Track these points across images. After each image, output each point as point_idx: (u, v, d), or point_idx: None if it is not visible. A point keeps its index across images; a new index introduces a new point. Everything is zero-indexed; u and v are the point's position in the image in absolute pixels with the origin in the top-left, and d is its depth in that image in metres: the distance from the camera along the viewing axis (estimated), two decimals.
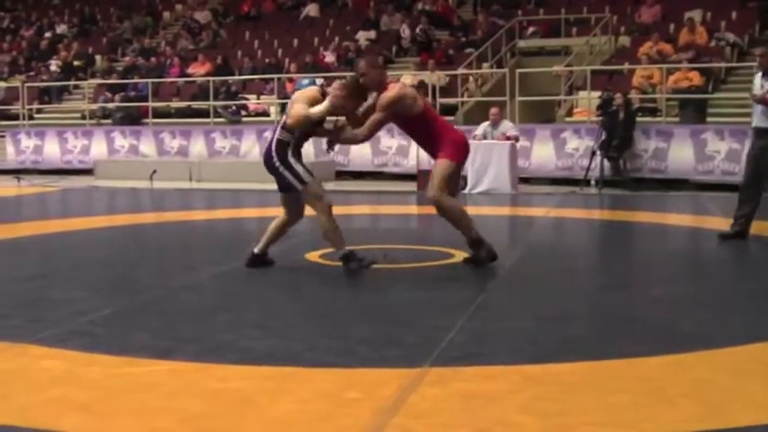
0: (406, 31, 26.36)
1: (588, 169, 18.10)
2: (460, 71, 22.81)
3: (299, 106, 8.84)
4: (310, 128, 9.03)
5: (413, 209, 16.33)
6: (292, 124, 8.83)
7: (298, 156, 8.94)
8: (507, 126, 18.27)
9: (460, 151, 9.26)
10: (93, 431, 4.67)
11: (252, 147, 22.03)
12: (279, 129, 8.99)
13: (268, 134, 9.04)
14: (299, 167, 8.89)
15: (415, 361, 5.74)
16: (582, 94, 21.28)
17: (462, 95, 22.71)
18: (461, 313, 7.10)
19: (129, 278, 9.04)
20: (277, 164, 8.86)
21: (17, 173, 23.03)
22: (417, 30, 26.15)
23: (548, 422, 4.73)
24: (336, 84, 9.15)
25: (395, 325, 6.89)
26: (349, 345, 6.29)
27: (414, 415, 4.82)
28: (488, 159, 17.76)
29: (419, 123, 9.16)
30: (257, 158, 21.15)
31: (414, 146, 19.94)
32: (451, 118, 21.69)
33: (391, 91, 8.96)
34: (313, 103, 8.85)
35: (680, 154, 18.27)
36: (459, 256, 9.85)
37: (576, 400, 5.03)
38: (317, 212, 8.94)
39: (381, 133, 20.37)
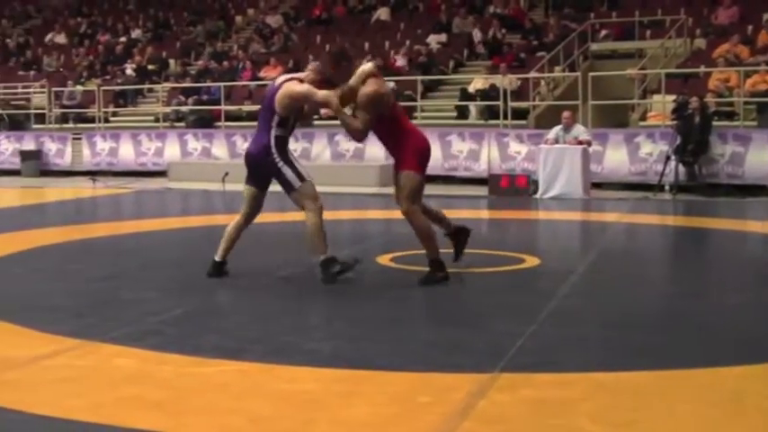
0: (477, 35, 26.28)
1: (662, 174, 17.84)
2: (532, 75, 22.64)
3: (305, 90, 8.67)
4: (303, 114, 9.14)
5: (484, 213, 16.26)
6: (328, 101, 8.60)
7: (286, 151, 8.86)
8: (579, 130, 18.10)
9: (424, 161, 8.88)
10: (164, 429, 4.70)
11: (323, 150, 22.09)
12: (275, 126, 8.76)
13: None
14: (298, 165, 8.87)
15: (485, 366, 5.72)
16: (656, 97, 21.00)
17: (534, 99, 22.54)
18: (532, 319, 7.06)
19: (199, 279, 9.09)
20: (278, 160, 8.74)
21: (92, 174, 23.31)
22: (489, 33, 26.08)
23: (617, 431, 4.69)
24: (311, 72, 8.94)
25: (466, 330, 6.87)
26: (419, 349, 6.28)
27: (483, 420, 4.81)
28: (560, 164, 17.61)
29: (388, 122, 8.83)
30: (328, 161, 21.37)
31: (485, 150, 19.92)
32: (523, 122, 21.62)
33: (372, 86, 8.62)
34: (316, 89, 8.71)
35: (758, 159, 17.91)
36: (531, 261, 9.80)
37: (647, 410, 4.97)
38: (308, 213, 8.79)
39: (452, 137, 20.42)
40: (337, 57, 8.87)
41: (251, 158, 8.94)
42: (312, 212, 8.77)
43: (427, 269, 8.73)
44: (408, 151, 8.77)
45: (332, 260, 8.72)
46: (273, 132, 8.77)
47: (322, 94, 8.62)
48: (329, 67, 8.83)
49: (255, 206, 9.16)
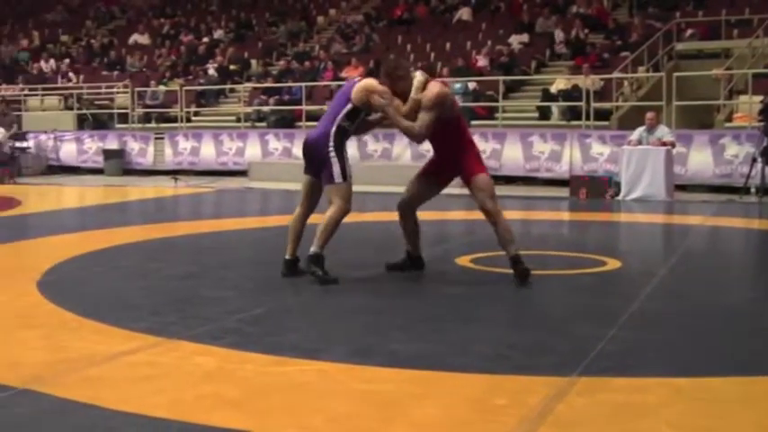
0: (559, 35, 26.12)
1: (748, 177, 17.55)
2: (615, 75, 22.44)
3: (382, 87, 8.75)
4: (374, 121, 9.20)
5: (565, 215, 16.14)
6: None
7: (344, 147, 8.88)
8: (663, 131, 17.91)
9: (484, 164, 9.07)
10: (242, 427, 4.71)
11: (404, 150, 22.06)
12: (342, 115, 8.77)
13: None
14: (347, 163, 8.83)
15: (564, 370, 5.67)
16: (743, 98, 20.68)
17: (617, 100, 22.34)
18: (613, 322, 6.98)
19: (279, 279, 9.12)
20: (332, 151, 8.70)
21: (174, 173, 23.54)
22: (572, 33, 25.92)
23: None
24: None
25: (545, 332, 6.82)
26: (498, 350, 6.24)
27: (560, 425, 4.76)
28: (643, 165, 17.44)
29: (452, 126, 8.87)
30: (409, 162, 21.32)
31: (567, 151, 19.77)
32: (606, 123, 21.44)
33: (434, 88, 8.69)
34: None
35: None
36: (612, 264, 9.70)
37: (727, 418, 4.88)
38: (335, 207, 8.78)
39: (534, 138, 20.31)
40: (391, 70, 8.89)
41: (308, 145, 8.91)
42: (338, 209, 8.80)
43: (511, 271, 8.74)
44: (473, 155, 8.92)
45: (320, 259, 8.73)
46: (338, 121, 8.77)
47: (389, 97, 8.69)
48: (386, 82, 8.82)
49: (314, 196, 9.11)
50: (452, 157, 8.96)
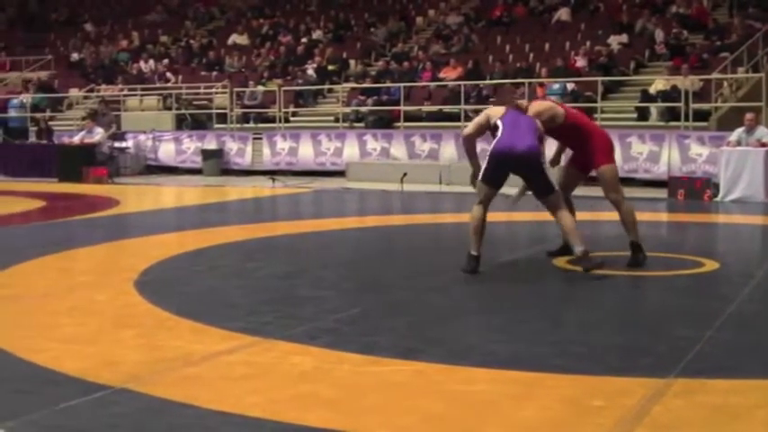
0: (659, 35, 25.85)
1: None
2: (714, 76, 22.15)
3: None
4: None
5: (663, 216, 15.97)
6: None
7: None
8: (763, 132, 17.66)
9: (613, 151, 10.02)
10: (338, 427, 4.74)
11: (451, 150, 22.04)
12: (536, 133, 9.30)
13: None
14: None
15: (661, 371, 5.63)
16: None
17: (716, 101, 22.05)
18: (711, 324, 6.92)
19: (376, 278, 9.17)
20: (545, 162, 9.27)
21: (272, 174, 23.72)
22: (671, 34, 25.64)
23: None
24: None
25: (642, 333, 6.77)
26: (595, 352, 6.21)
27: (657, 426, 4.74)
28: (742, 166, 17.23)
29: (570, 132, 9.79)
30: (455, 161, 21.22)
31: (665, 152, 19.58)
32: (704, 123, 21.17)
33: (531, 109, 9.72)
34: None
35: None
36: (710, 265, 9.59)
37: None
38: (565, 212, 9.27)
39: (632, 138, 20.12)
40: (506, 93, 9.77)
41: (525, 154, 9.17)
42: (566, 212, 9.31)
43: (624, 271, 9.19)
44: (597, 149, 9.76)
45: (587, 255, 9.06)
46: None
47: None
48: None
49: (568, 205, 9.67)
50: (581, 152, 9.95)
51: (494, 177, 9.37)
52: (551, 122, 9.57)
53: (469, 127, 9.89)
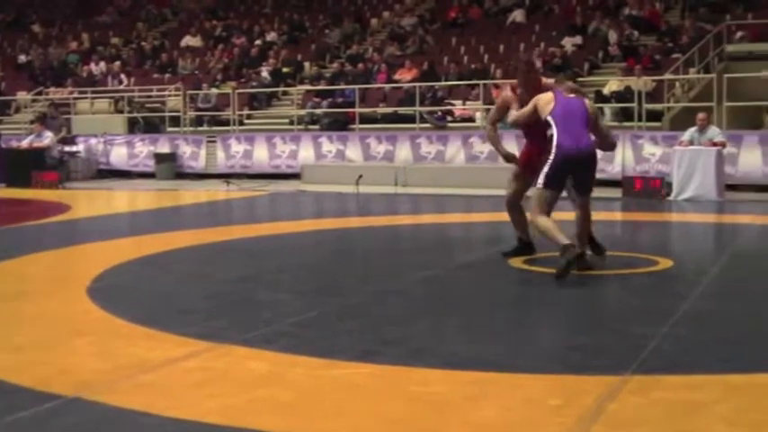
0: (612, 37, 26.01)
1: None
2: (667, 76, 22.35)
3: None
4: None
5: (617, 215, 16.07)
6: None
7: None
8: (714, 132, 17.84)
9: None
10: (296, 431, 4.70)
11: (457, 152, 22.05)
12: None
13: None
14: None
15: (617, 369, 5.66)
16: None
17: (669, 101, 22.24)
18: (666, 321, 6.96)
19: (333, 281, 9.14)
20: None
21: (227, 177, 23.62)
22: (624, 35, 25.82)
23: None
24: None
25: (598, 332, 6.81)
26: (552, 351, 6.23)
27: (614, 424, 4.76)
28: (695, 166, 17.40)
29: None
30: (463, 164, 21.31)
31: (619, 152, 19.67)
32: (658, 124, 21.34)
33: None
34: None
35: None
36: (664, 263, 9.65)
37: None
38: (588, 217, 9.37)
39: None
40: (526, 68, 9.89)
41: (590, 155, 9.27)
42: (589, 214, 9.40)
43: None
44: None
45: (582, 255, 9.07)
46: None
47: None
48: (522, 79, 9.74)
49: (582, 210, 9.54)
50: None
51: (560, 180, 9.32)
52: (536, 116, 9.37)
53: (515, 115, 9.73)
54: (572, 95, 9.38)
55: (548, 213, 9.11)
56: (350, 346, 6.36)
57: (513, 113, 9.66)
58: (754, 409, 4.93)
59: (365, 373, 5.71)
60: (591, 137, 9.18)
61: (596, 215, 9.93)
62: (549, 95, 9.33)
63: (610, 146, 10.38)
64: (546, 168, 9.09)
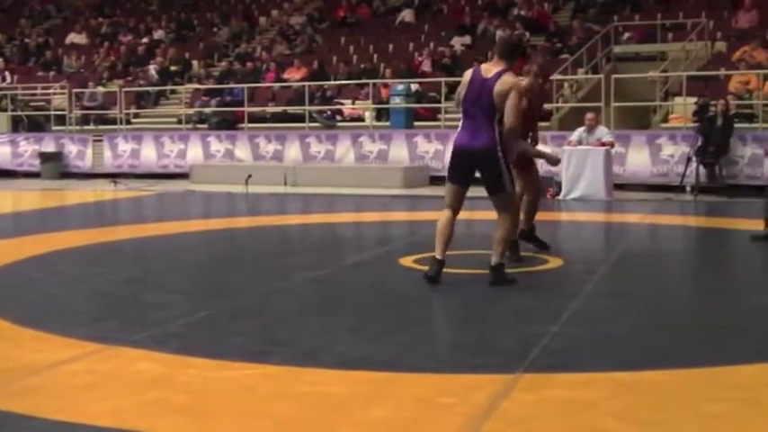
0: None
1: (684, 176, 17.87)
2: (556, 77, 22.62)
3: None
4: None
5: None
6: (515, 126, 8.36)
7: None
8: (602, 132, 18.10)
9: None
10: None
11: (347, 151, 22.08)
12: (495, 123, 8.32)
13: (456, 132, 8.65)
14: (510, 170, 8.62)
15: (508, 367, 5.71)
16: (678, 99, 21.00)
17: (557, 101, 22.53)
18: (556, 320, 7.05)
19: (223, 282, 9.09)
20: (501, 158, 8.38)
21: (114, 177, 23.34)
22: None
23: (642, 430, 4.68)
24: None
25: (490, 331, 6.86)
26: (443, 350, 6.27)
27: (506, 421, 4.81)
28: (583, 165, 17.62)
29: None
30: (352, 163, 21.34)
31: None
32: (547, 124, 21.58)
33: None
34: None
35: None
36: (554, 262, 9.77)
37: (670, 409, 4.97)
38: (510, 221, 8.66)
39: None
40: (513, 47, 8.69)
41: (476, 152, 8.40)
42: (511, 221, 8.70)
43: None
44: None
45: (503, 267, 8.64)
46: (497, 129, 8.37)
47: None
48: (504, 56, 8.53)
49: (460, 203, 8.77)
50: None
51: (455, 176, 8.75)
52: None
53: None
54: (492, 73, 8.40)
55: (453, 209, 8.68)
56: (241, 347, 6.33)
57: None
58: (641, 405, 5.02)
59: (257, 373, 5.69)
60: (489, 133, 8.33)
61: (487, 214, 9.94)
62: (467, 74, 8.64)
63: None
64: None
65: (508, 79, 8.32)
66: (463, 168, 8.59)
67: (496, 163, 8.38)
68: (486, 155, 8.38)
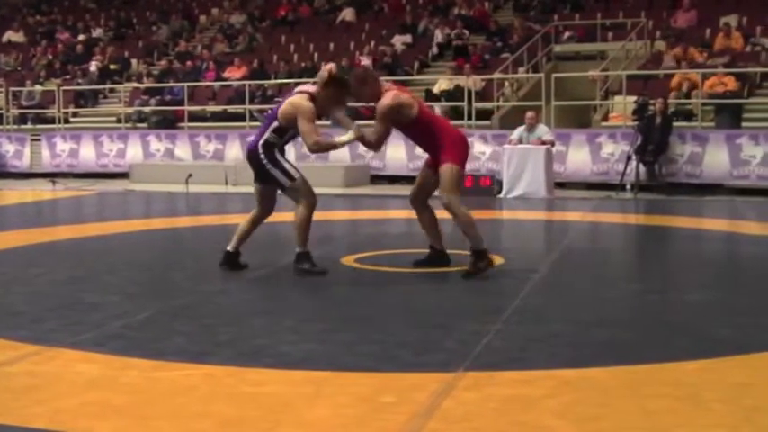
0: (439, 36, 26.36)
1: (624, 174, 18.05)
2: (496, 76, 22.76)
3: (307, 127, 8.86)
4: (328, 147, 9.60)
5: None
6: (316, 150, 9.22)
7: (282, 153, 9.17)
8: (543, 131, 18.22)
9: (463, 152, 9.27)
10: None
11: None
12: (269, 131, 9.05)
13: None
14: (286, 164, 9.13)
15: (450, 365, 5.73)
16: (617, 98, 21.22)
17: (498, 100, 22.67)
18: (498, 318, 7.08)
19: (164, 282, 9.05)
20: (265, 161, 9.04)
21: (53, 176, 23.14)
22: (452, 34, 26.19)
23: (584, 427, 4.70)
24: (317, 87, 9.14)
25: (431, 329, 6.86)
26: (385, 349, 6.26)
27: (448, 420, 4.80)
28: (524, 164, 17.73)
29: (418, 126, 9.14)
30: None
31: None
32: (487, 122, 21.70)
33: (386, 99, 8.93)
34: (312, 117, 8.92)
35: (715, 159, 18.26)
36: (496, 260, 9.79)
37: (612, 405, 5.00)
38: (302, 208, 9.10)
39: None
40: (360, 77, 9.21)
41: (247, 155, 9.28)
42: (304, 206, 9.09)
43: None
44: (447, 145, 9.09)
45: (306, 256, 9.08)
46: (266, 135, 9.03)
47: (310, 129, 8.91)
48: (354, 86, 9.11)
49: (266, 201, 9.44)
50: (429, 151, 9.41)
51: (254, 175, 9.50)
52: (402, 117, 9.01)
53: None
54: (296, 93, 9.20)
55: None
56: (183, 348, 6.30)
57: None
58: (583, 402, 5.05)
59: (199, 374, 5.66)
60: (255, 139, 9.15)
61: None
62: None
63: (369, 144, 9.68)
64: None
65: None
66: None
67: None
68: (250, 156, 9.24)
